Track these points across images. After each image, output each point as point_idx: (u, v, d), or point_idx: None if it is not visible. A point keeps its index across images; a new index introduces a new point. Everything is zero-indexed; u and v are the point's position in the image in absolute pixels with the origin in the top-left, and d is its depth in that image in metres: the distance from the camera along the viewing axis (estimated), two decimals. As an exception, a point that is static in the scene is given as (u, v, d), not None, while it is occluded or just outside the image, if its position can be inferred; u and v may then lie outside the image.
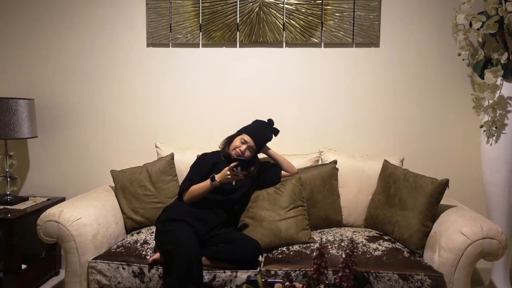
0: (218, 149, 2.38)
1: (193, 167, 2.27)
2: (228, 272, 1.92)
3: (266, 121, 2.38)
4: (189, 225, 2.02)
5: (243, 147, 2.22)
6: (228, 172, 2.02)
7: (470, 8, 2.35)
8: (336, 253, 1.99)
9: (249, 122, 2.37)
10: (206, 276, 1.91)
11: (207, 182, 2.09)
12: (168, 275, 1.88)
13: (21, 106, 2.57)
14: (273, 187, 2.30)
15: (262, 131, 2.32)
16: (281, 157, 2.38)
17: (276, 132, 2.37)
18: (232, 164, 2.02)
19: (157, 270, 1.94)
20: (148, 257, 1.99)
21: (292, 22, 2.68)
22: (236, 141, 2.26)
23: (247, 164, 2.09)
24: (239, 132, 2.32)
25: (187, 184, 2.17)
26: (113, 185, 2.44)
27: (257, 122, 2.38)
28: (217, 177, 2.07)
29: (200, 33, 2.73)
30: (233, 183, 2.14)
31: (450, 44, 2.63)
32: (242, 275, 1.91)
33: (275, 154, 2.38)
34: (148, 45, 2.78)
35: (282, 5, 2.67)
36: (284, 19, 2.68)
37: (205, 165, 2.24)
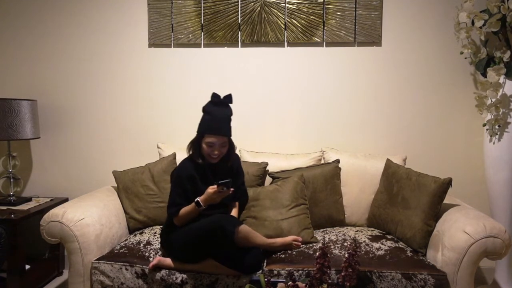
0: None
1: (175, 188, 2.04)
2: (231, 276, 1.91)
3: (213, 99, 2.02)
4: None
5: (215, 151, 1.97)
6: (214, 196, 1.92)
7: (472, 6, 2.35)
8: (339, 253, 1.98)
9: (250, 121, 2.32)
10: (208, 279, 1.91)
11: (193, 206, 1.96)
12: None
13: (24, 107, 2.58)
14: (275, 184, 2.31)
15: (220, 116, 1.97)
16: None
17: (230, 99, 2.02)
18: (217, 188, 1.89)
19: (160, 271, 1.94)
20: (151, 259, 1.99)
21: (294, 21, 2.67)
22: (204, 148, 1.99)
23: (231, 181, 1.91)
24: (200, 134, 2.02)
25: (175, 210, 2.00)
26: (116, 185, 2.45)
27: (208, 110, 2.00)
28: (202, 201, 1.94)
29: (202, 33, 2.73)
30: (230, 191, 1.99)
31: (452, 42, 2.62)
32: (245, 279, 1.90)
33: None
34: (150, 45, 2.79)
35: (284, 4, 2.67)
36: (286, 18, 2.68)
37: (186, 181, 2.03)
